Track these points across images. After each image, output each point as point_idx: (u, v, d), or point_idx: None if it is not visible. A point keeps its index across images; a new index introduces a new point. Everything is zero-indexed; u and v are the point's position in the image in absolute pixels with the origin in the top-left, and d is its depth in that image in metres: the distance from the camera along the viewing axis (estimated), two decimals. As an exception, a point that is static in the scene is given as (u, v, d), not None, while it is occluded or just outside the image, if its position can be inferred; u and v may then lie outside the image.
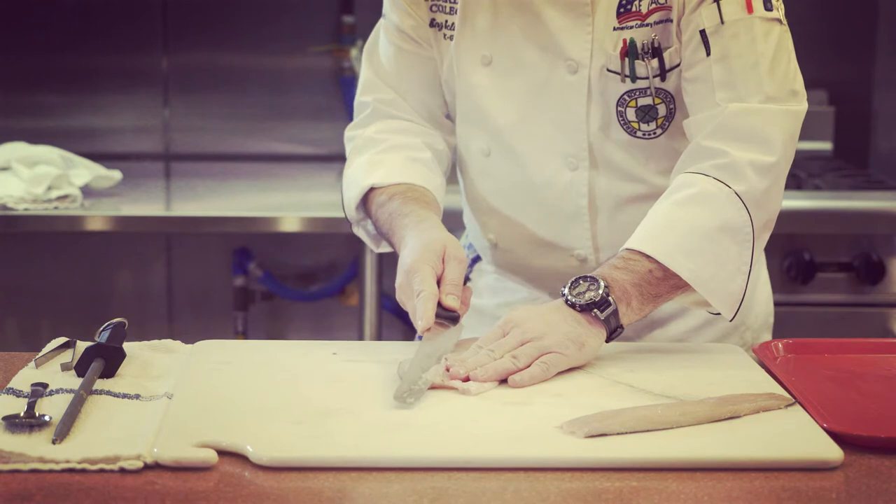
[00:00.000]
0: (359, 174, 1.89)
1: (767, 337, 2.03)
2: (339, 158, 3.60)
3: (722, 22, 1.73)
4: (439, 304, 1.65)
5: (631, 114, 1.82)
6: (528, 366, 1.59)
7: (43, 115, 3.58)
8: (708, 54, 1.74)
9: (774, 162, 1.72)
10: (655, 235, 1.69)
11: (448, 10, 1.87)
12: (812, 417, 1.48)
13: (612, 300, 1.63)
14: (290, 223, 2.95)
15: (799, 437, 1.43)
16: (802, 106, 1.76)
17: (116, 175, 3.11)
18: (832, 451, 1.38)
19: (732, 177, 1.71)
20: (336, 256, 3.57)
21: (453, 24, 1.87)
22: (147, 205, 3.08)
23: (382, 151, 1.91)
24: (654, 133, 1.83)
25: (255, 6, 3.58)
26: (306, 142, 3.64)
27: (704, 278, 1.68)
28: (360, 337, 3.09)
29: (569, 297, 1.64)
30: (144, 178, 3.36)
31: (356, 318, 3.19)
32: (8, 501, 1.25)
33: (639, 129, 1.83)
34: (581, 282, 1.65)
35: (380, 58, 1.96)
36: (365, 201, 1.88)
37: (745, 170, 1.70)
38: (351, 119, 3.72)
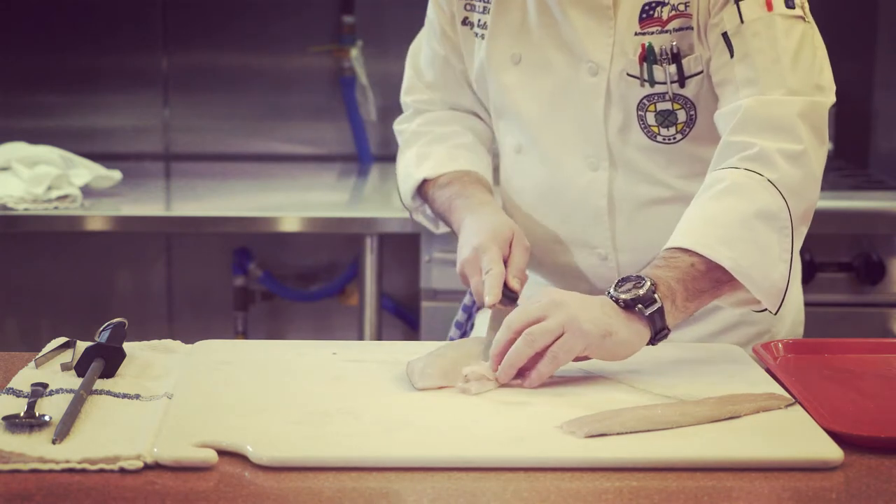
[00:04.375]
0: (410, 167, 2.04)
1: None
2: (339, 158, 3.63)
3: (742, 22, 1.74)
4: (504, 284, 1.76)
5: (651, 118, 1.83)
6: (545, 348, 1.55)
7: (43, 115, 3.58)
8: (731, 56, 1.74)
9: (802, 150, 1.71)
10: (692, 230, 1.68)
11: (481, 9, 1.93)
12: (812, 417, 1.48)
13: (657, 297, 1.59)
14: (290, 223, 2.95)
15: (799, 437, 1.43)
16: (828, 98, 1.76)
17: (116, 175, 3.11)
18: (832, 451, 1.38)
19: (763, 166, 1.70)
20: (336, 256, 3.57)
21: (484, 23, 1.93)
22: (147, 205, 3.08)
23: (428, 143, 2.05)
24: (674, 138, 1.84)
25: (255, 6, 3.58)
26: (306, 142, 3.64)
27: (745, 266, 1.65)
28: (360, 337, 3.09)
29: (612, 294, 1.61)
30: (144, 178, 3.36)
31: (356, 318, 3.19)
32: (8, 501, 1.25)
33: (658, 134, 1.84)
34: (625, 281, 1.62)
35: (420, 61, 2.08)
36: (420, 190, 2.02)
37: (774, 158, 1.70)
38: (350, 119, 3.74)
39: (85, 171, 3.06)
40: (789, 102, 1.72)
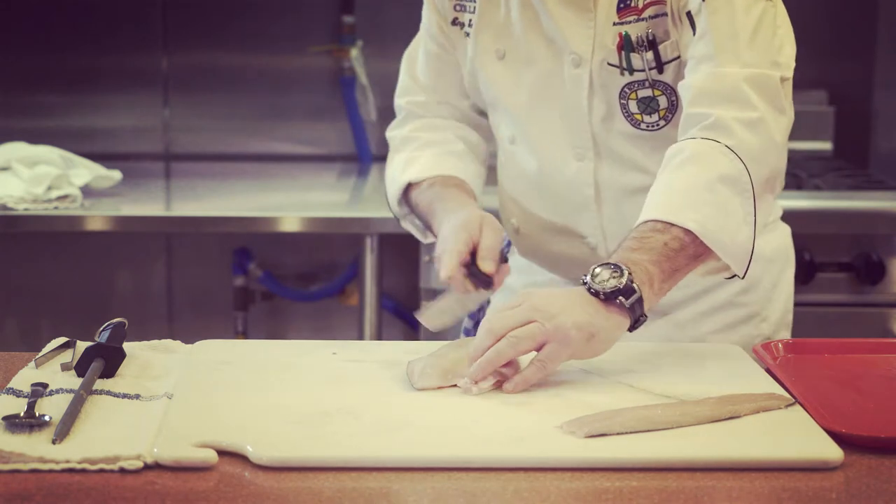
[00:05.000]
0: (397, 172, 2.03)
1: (786, 335, 2.02)
2: (339, 158, 3.63)
3: (703, 0, 1.75)
4: (477, 268, 1.76)
5: (633, 106, 1.86)
6: (527, 350, 1.55)
7: (43, 115, 3.58)
8: (694, 34, 1.77)
9: (759, 117, 1.72)
10: (657, 201, 1.69)
11: (471, 9, 1.96)
12: (812, 417, 1.48)
13: (636, 287, 1.58)
14: (290, 223, 2.94)
15: (799, 437, 1.43)
16: (782, 73, 1.76)
17: (116, 175, 3.11)
18: (832, 451, 1.38)
19: (720, 133, 1.72)
20: (336, 256, 3.57)
21: (472, 21, 1.95)
22: (147, 205, 3.08)
23: (417, 149, 2.04)
24: (658, 125, 1.86)
25: (255, 6, 3.58)
26: (306, 142, 3.64)
27: (712, 229, 1.66)
28: (360, 337, 3.09)
29: (592, 286, 1.59)
30: (144, 178, 3.36)
31: (356, 318, 3.19)
32: (8, 501, 1.25)
33: (642, 121, 1.86)
34: (602, 269, 1.60)
35: (416, 64, 2.08)
36: (406, 196, 2.01)
37: (731, 125, 1.71)
38: (350, 119, 3.73)
39: (85, 171, 3.06)
40: (742, 74, 1.74)
